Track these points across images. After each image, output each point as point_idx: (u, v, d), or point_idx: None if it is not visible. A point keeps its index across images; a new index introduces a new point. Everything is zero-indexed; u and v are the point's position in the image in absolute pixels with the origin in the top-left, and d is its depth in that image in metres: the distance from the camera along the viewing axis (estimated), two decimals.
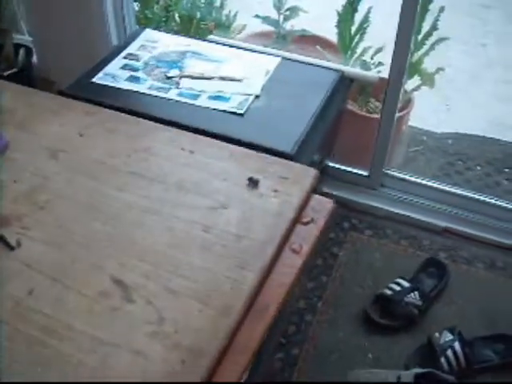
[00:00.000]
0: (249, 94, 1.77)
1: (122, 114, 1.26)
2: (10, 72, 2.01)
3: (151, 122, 1.24)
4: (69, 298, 0.93)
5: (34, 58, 2.22)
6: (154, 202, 1.06)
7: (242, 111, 1.70)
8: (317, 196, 1.11)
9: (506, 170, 2.44)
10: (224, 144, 1.19)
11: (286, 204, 1.06)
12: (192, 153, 1.16)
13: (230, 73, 1.85)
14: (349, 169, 2.21)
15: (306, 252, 1.02)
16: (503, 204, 2.11)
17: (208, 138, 1.20)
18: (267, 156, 1.16)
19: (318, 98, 1.79)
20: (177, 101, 1.73)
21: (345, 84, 1.93)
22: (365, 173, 2.19)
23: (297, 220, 1.06)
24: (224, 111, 1.71)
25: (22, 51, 2.12)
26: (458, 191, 2.14)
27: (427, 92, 2.29)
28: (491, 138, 2.62)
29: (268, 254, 0.98)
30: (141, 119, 1.24)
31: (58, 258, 0.98)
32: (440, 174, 2.40)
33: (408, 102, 2.24)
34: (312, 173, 1.12)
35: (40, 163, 1.14)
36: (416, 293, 1.86)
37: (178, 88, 1.77)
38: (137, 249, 0.99)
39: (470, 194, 2.13)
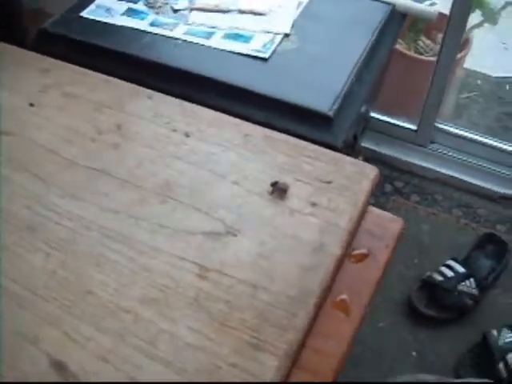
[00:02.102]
0: (275, 33, 1.29)
1: (88, 71, 0.82)
2: None
3: (126, 83, 0.79)
4: None
5: None
6: (123, 220, 0.64)
7: (266, 55, 1.23)
8: (375, 210, 0.68)
9: None
10: (236, 121, 0.75)
11: (330, 228, 0.63)
12: (187, 136, 0.72)
13: (251, 4, 1.37)
14: (393, 121, 1.74)
15: (359, 313, 0.60)
16: None
17: (212, 112, 0.75)
18: (301, 142, 0.72)
19: (363, 38, 1.30)
20: (184, 40, 1.27)
21: (396, 21, 1.43)
22: (412, 126, 1.71)
23: (345, 254, 0.63)
24: (243, 55, 1.24)
25: None
26: None
27: (483, 28, 1.79)
28: None
29: (300, 321, 0.56)
30: (111, 78, 0.80)
31: None
32: (496, 125, 1.91)
33: (466, 42, 1.73)
34: (371, 173, 0.68)
35: None
36: (471, 280, 1.43)
37: (186, 24, 1.31)
38: (92, 305, 0.58)
39: None
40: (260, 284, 0.58)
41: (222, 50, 1.24)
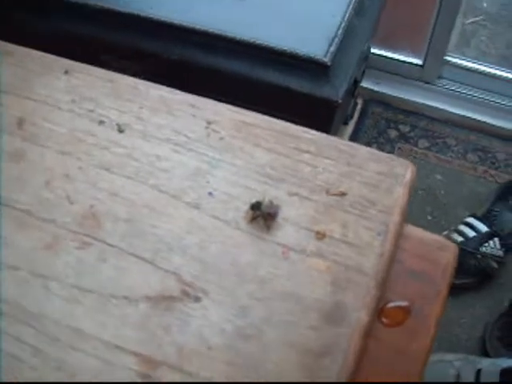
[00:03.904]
0: None
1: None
2: None
3: (39, 53, 0.51)
4: None
5: None
6: (24, 282, 0.39)
7: None
8: (415, 231, 0.43)
9: None
10: (193, 100, 0.48)
11: (350, 276, 0.38)
12: (121, 131, 0.46)
13: None
14: (395, 56, 1.45)
15: None
16: None
17: (158, 89, 0.48)
18: (293, 128, 0.46)
19: None
20: None
21: None
22: (418, 61, 1.43)
23: (374, 315, 0.39)
24: None
25: None
26: None
27: None
28: None
29: None
30: (19, 48, 0.51)
31: None
32: (509, 53, 1.63)
33: None
34: (406, 172, 0.43)
35: None
36: (496, 240, 1.20)
37: None
38: None
39: None
40: None
41: None
